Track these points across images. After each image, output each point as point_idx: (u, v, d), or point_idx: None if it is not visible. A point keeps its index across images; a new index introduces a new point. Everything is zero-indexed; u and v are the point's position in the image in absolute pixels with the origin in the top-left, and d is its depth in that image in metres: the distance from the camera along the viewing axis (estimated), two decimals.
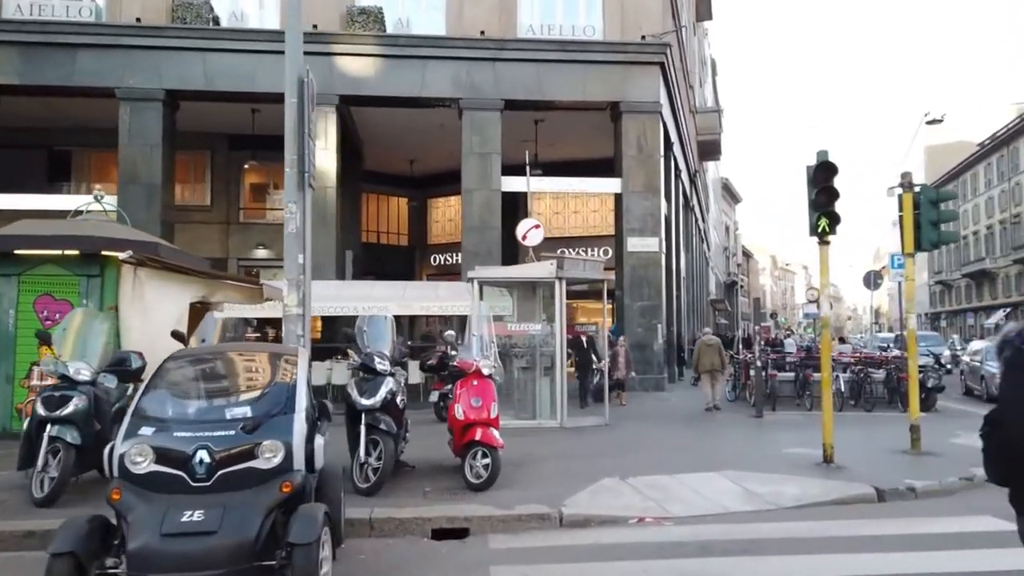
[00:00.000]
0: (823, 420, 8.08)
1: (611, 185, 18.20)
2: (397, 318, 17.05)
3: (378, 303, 14.58)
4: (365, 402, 6.52)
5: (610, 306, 19.75)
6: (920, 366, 13.03)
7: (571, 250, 20.01)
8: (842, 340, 19.74)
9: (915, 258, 8.80)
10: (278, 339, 18.84)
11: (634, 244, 17.72)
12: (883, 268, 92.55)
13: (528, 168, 14.97)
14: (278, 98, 16.91)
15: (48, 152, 21.54)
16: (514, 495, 6.50)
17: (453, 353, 10.44)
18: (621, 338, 15.28)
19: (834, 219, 7.90)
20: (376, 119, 20.29)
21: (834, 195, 7.85)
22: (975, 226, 61.57)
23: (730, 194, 68.21)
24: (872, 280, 19.40)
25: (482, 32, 17.55)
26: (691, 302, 31.16)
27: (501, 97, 17.58)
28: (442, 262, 26.82)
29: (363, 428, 6.51)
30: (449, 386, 11.28)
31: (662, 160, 18.49)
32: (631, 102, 17.89)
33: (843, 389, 13.19)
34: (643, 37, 17.88)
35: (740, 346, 19.88)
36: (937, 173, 67.53)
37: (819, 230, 7.87)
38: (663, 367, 18.44)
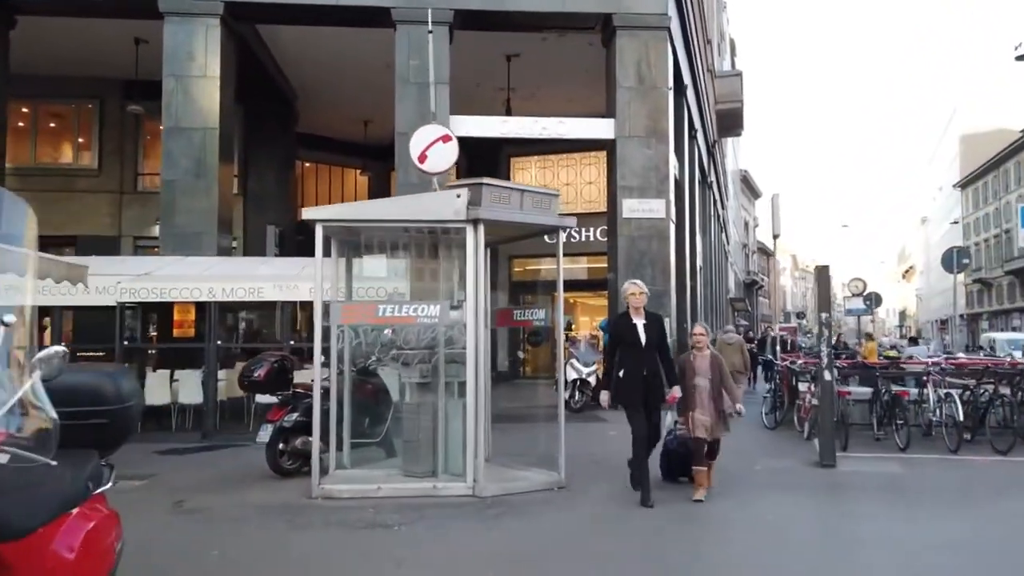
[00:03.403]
0: None
1: (600, 128, 13.33)
2: (281, 306, 12.33)
3: (254, 284, 9.93)
4: None
5: (604, 300, 14.98)
6: None
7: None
8: (913, 340, 14.81)
9: None
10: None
11: (631, 207, 12.84)
12: (910, 268, 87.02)
13: (426, 106, 10.03)
14: (152, 12, 12.41)
15: None
16: None
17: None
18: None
19: None
20: (299, 54, 15.62)
21: None
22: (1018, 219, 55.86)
23: (749, 188, 63.28)
24: (956, 260, 14.36)
25: None
26: (709, 298, 26.17)
27: (449, 7, 12.82)
28: None
29: None
30: (295, 415, 6.54)
31: (671, 95, 13.60)
32: (628, 14, 13.07)
33: (958, 416, 8.22)
34: None
35: (777, 349, 14.80)
36: (974, 163, 62.14)
37: None
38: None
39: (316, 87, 17.53)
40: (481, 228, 5.86)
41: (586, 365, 12.69)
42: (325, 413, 6.41)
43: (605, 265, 14.66)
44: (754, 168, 64.87)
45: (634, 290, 6.26)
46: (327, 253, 6.44)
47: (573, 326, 20.52)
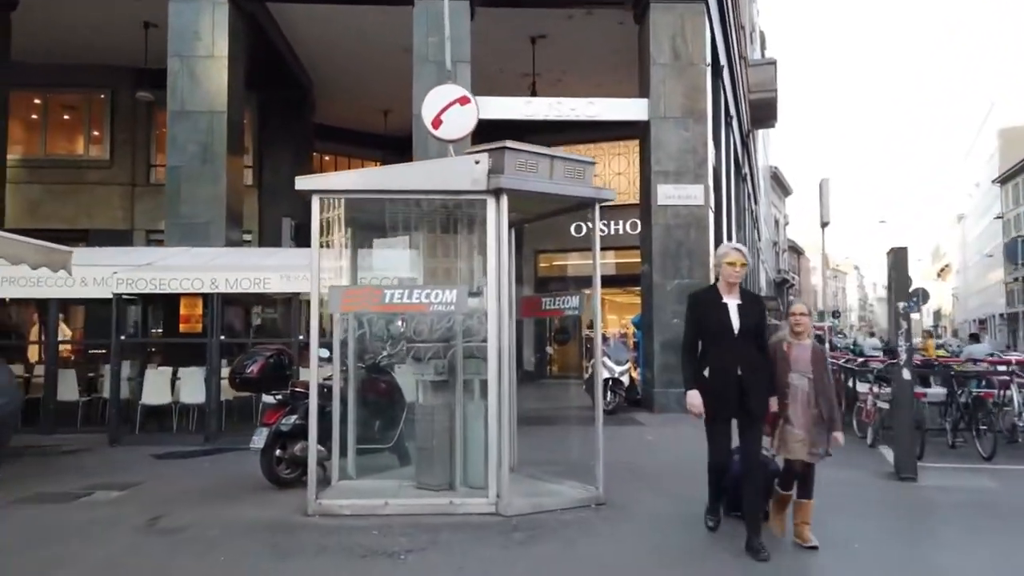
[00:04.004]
0: None
1: (633, 109, 12.40)
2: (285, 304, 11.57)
3: (259, 275, 9.17)
4: None
5: (636, 297, 14.07)
6: None
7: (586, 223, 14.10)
8: (974, 337, 13.65)
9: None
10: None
11: (667, 194, 11.90)
12: (945, 266, 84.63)
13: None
14: None
15: None
16: None
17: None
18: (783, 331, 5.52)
19: None
20: (314, 38, 14.89)
21: None
22: None
23: (780, 185, 61.83)
24: (1021, 251, 13.16)
25: None
26: None
27: None
28: None
29: None
30: (294, 418, 5.73)
31: (708, 73, 12.62)
32: None
33: None
34: None
35: (826, 347, 13.71)
36: (1014, 158, 59.88)
37: None
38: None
39: (333, 74, 16.82)
40: (504, 199, 5.00)
41: (618, 363, 11.77)
42: (328, 415, 5.62)
43: (635, 260, 13.74)
44: (783, 164, 63.50)
45: (735, 258, 4.44)
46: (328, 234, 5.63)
47: (601, 325, 19.56)
